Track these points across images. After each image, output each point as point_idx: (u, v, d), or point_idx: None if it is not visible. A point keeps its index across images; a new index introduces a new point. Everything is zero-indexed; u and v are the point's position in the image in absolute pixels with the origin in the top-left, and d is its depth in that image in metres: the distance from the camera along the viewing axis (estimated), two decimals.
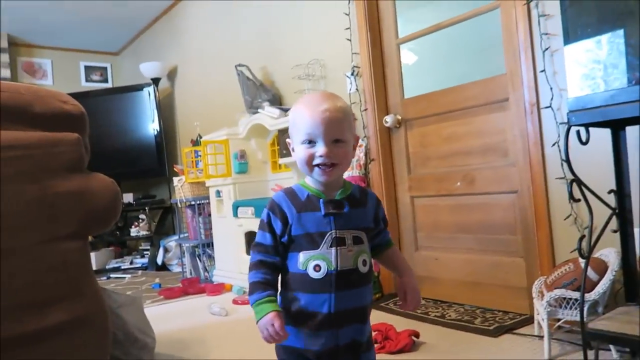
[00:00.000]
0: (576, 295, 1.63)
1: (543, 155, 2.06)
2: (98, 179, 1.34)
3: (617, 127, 1.54)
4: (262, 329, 0.97)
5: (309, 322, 1.00)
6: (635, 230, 1.55)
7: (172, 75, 5.16)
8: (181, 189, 3.99)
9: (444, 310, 2.39)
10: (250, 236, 3.23)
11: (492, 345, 1.90)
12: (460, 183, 2.48)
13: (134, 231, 5.01)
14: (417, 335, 1.98)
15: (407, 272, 1.13)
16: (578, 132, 1.45)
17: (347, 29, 2.88)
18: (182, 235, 4.23)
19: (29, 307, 1.16)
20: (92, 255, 4.25)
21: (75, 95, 1.45)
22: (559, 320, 1.77)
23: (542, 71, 2.02)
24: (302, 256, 1.01)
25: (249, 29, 3.85)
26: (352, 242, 1.02)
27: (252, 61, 3.60)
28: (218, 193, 3.58)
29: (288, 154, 1.11)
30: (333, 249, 1.00)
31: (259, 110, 3.29)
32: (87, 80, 6.14)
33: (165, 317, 2.74)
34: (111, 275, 4.51)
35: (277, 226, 1.02)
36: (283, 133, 3.08)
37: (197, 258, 3.95)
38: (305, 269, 1.00)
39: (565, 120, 1.77)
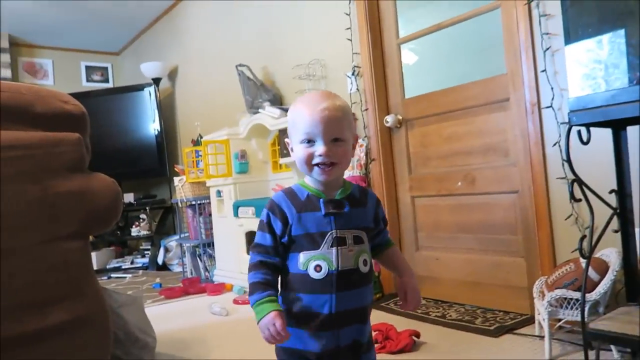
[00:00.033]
0: (577, 295, 1.63)
1: (544, 155, 2.05)
2: (99, 179, 1.34)
3: (618, 127, 1.54)
4: (263, 329, 0.96)
5: (310, 323, 1.00)
6: (636, 230, 1.55)
7: (172, 75, 5.17)
8: (182, 188, 3.99)
9: (445, 310, 2.39)
10: (251, 236, 3.23)
11: (492, 345, 1.90)
12: (461, 183, 2.48)
13: (134, 231, 5.01)
14: (417, 335, 1.98)
15: (407, 272, 1.13)
16: (579, 132, 1.45)
17: (347, 29, 2.88)
18: (182, 235, 4.23)
19: (29, 306, 1.16)
20: (93, 255, 4.25)
21: (76, 95, 1.46)
22: (559, 320, 1.77)
23: (543, 71, 2.02)
24: (302, 256, 1.00)
25: (249, 29, 3.85)
26: (352, 241, 1.02)
27: (253, 61, 3.61)
28: (219, 193, 3.58)
29: (288, 154, 1.10)
30: (334, 249, 0.99)
31: (259, 110, 3.29)
32: (88, 80, 6.15)
33: (165, 317, 2.75)
34: (112, 275, 4.51)
35: (277, 226, 1.01)
36: (284, 133, 3.08)
37: (197, 258, 3.95)
38: (306, 270, 0.99)
39: (566, 120, 1.77)
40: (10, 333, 1.11)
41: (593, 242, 1.45)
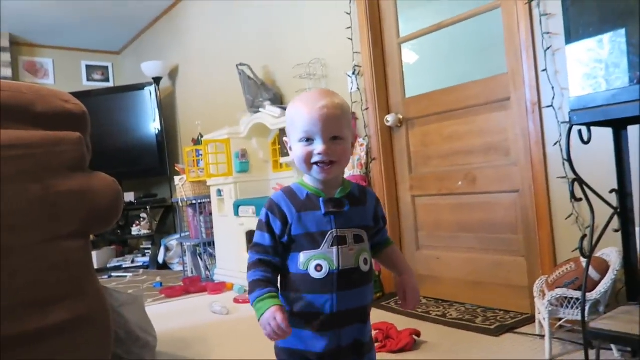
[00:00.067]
0: (577, 294, 1.63)
1: (544, 154, 2.05)
2: (100, 178, 1.34)
3: (619, 126, 1.54)
4: (265, 325, 0.94)
5: (311, 323, 0.99)
6: (637, 229, 1.55)
7: (173, 74, 5.17)
8: (182, 188, 3.99)
9: (445, 310, 2.39)
10: (251, 235, 3.21)
11: (493, 344, 1.90)
12: (461, 182, 2.48)
13: (135, 230, 5.02)
14: (418, 334, 1.98)
15: (406, 271, 1.12)
16: (580, 132, 1.45)
17: (348, 28, 2.88)
18: (183, 234, 4.23)
19: (30, 306, 1.16)
20: (94, 254, 4.26)
21: (76, 95, 1.45)
22: (560, 319, 1.77)
23: (543, 70, 2.02)
24: (302, 256, 0.99)
25: (250, 28, 3.85)
26: (353, 240, 1.01)
27: (254, 60, 3.61)
28: (219, 192, 3.59)
29: (289, 153, 1.09)
30: (334, 248, 0.99)
31: (260, 109, 3.29)
32: (88, 80, 6.15)
33: (166, 316, 2.75)
34: (113, 274, 4.51)
35: (277, 226, 1.00)
36: (284, 132, 3.06)
37: (198, 257, 3.96)
38: (307, 269, 0.98)
39: (567, 120, 1.77)
40: (11, 332, 1.12)
41: (594, 242, 1.45)
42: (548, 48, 2.00)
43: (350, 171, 2.84)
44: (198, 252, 3.94)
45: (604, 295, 1.63)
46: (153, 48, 5.51)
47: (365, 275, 1.03)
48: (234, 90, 3.72)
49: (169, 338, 2.26)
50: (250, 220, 3.20)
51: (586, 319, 1.44)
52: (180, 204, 4.12)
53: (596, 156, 1.75)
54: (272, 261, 1.01)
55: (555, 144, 2.00)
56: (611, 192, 1.54)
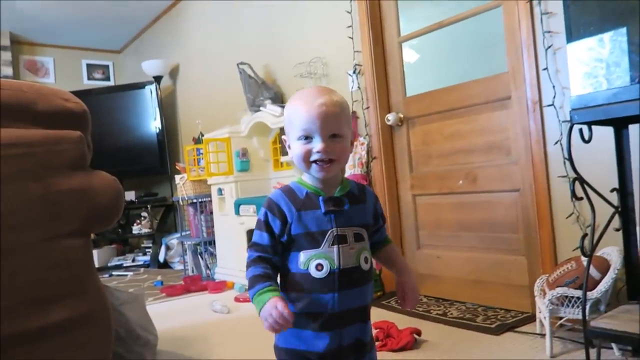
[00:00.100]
0: (578, 293, 1.63)
1: (545, 153, 2.05)
2: (100, 177, 1.34)
3: (620, 125, 1.54)
4: (266, 316, 0.92)
5: (312, 323, 0.98)
6: (638, 228, 1.55)
7: (174, 73, 5.16)
8: (183, 186, 4.00)
9: (446, 308, 2.39)
10: (252, 234, 3.22)
11: (493, 343, 1.90)
12: (462, 181, 2.48)
13: (136, 229, 5.02)
14: (418, 333, 1.99)
15: (405, 269, 1.11)
16: (581, 131, 1.45)
17: (349, 27, 2.88)
18: (184, 233, 4.23)
19: (31, 304, 1.16)
20: (95, 252, 4.27)
21: (77, 93, 1.46)
22: (561, 318, 1.77)
23: (544, 69, 2.02)
24: (303, 256, 0.98)
25: (250, 27, 3.85)
26: (353, 239, 1.00)
27: (254, 59, 3.60)
28: (220, 191, 3.59)
29: None
30: (335, 247, 0.98)
31: (260, 108, 3.29)
32: (89, 78, 6.15)
33: (167, 315, 2.75)
34: (113, 273, 4.52)
35: (276, 225, 0.99)
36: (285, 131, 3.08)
37: (199, 256, 3.96)
38: (307, 269, 0.98)
39: (568, 119, 1.76)
40: (12, 331, 1.12)
41: (594, 241, 1.45)
42: (549, 47, 1.99)
43: (351, 170, 2.84)
44: (199, 250, 3.95)
45: (605, 294, 1.63)
46: (153, 47, 5.50)
47: (365, 274, 1.02)
48: (235, 89, 3.72)
49: (170, 337, 2.26)
50: (251, 219, 3.20)
51: (587, 317, 1.44)
52: (181, 203, 4.12)
53: (597, 155, 1.75)
54: (271, 259, 1.00)
55: (556, 142, 2.00)
56: (612, 191, 1.54)
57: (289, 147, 1.04)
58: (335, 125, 0.98)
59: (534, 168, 2.10)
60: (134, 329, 1.79)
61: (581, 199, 1.47)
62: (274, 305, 0.91)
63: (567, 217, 1.97)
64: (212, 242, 3.82)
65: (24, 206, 1.17)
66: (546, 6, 2.00)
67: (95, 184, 1.31)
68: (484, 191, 2.39)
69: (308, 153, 0.99)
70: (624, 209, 1.53)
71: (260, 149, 3.54)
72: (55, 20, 5.19)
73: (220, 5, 4.22)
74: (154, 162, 5.06)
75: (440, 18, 2.56)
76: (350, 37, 2.87)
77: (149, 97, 5.06)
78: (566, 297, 1.68)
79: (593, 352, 1.49)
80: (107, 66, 6.30)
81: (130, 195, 5.08)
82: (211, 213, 3.78)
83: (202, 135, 3.89)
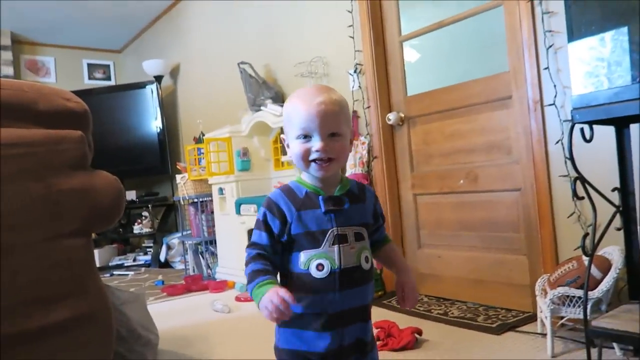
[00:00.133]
0: (579, 293, 1.63)
1: (546, 152, 2.05)
2: (101, 177, 1.34)
3: (621, 124, 1.53)
4: (266, 304, 0.89)
5: (313, 323, 0.98)
6: (639, 228, 1.55)
7: (174, 72, 5.17)
8: (184, 186, 4.00)
9: (447, 308, 2.39)
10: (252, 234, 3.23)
11: (494, 342, 1.90)
12: (463, 181, 2.48)
13: (137, 228, 5.02)
14: (419, 332, 1.98)
15: (404, 269, 1.11)
16: (582, 130, 1.45)
17: (349, 26, 2.88)
18: (184, 233, 4.23)
19: (33, 304, 1.16)
20: (96, 252, 4.27)
21: (78, 93, 1.46)
22: (562, 318, 1.77)
23: (545, 69, 2.01)
24: (303, 256, 0.98)
25: (251, 26, 3.85)
26: (354, 238, 1.00)
27: (255, 59, 3.60)
28: (221, 190, 3.59)
29: None
30: (335, 247, 0.98)
31: (261, 107, 3.29)
32: (90, 78, 6.15)
33: (168, 314, 2.75)
34: (114, 272, 4.52)
35: (275, 225, 0.99)
36: None
37: (199, 255, 3.96)
38: (308, 269, 0.97)
39: (569, 118, 1.76)
40: (13, 330, 1.12)
41: (596, 240, 1.45)
42: (550, 46, 1.99)
43: (352, 169, 2.84)
44: (200, 250, 3.95)
45: (606, 294, 1.62)
46: (154, 47, 5.51)
47: (366, 273, 1.02)
48: (236, 88, 3.72)
49: (171, 336, 2.27)
50: (251, 218, 3.20)
51: (588, 317, 1.44)
52: (182, 203, 4.13)
53: (598, 154, 1.75)
54: (270, 257, 0.99)
55: (557, 142, 2.00)
56: (613, 190, 1.54)
57: (288, 146, 1.04)
58: (334, 124, 0.98)
59: (535, 167, 2.10)
60: (135, 329, 1.79)
61: (582, 198, 1.47)
62: (275, 292, 0.90)
63: (568, 217, 1.97)
64: (213, 242, 3.82)
65: (25, 206, 1.17)
66: (547, 5, 1.99)
67: (96, 183, 1.31)
68: (485, 190, 2.39)
69: (307, 152, 0.98)
70: (625, 208, 1.53)
71: (261, 149, 3.54)
72: (56, 20, 5.20)
73: (221, 5, 4.22)
74: (155, 161, 5.06)
75: (441, 17, 2.55)
76: (351, 37, 2.87)
77: (150, 97, 5.06)
78: (567, 296, 1.68)
79: (594, 352, 1.49)
80: (108, 66, 6.31)
81: (131, 195, 5.09)
82: (212, 212, 3.78)
83: (203, 135, 3.89)
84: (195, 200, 3.89)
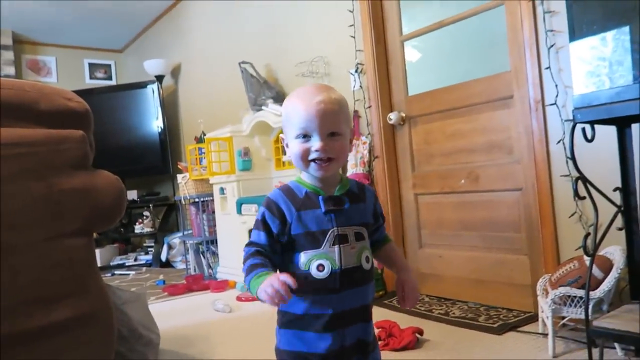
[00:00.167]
0: (581, 293, 1.63)
1: (548, 152, 2.05)
2: (103, 176, 1.34)
3: (623, 124, 1.53)
4: (266, 287, 0.89)
5: (314, 325, 0.97)
6: None
7: (175, 72, 5.17)
8: (185, 186, 4.00)
9: (448, 308, 2.39)
10: None
11: (496, 342, 1.90)
12: (464, 180, 2.48)
13: (138, 228, 5.03)
14: (420, 332, 1.98)
15: (404, 268, 1.10)
16: (583, 130, 1.45)
17: (350, 26, 2.87)
18: (186, 232, 4.24)
19: (34, 303, 1.16)
20: (97, 252, 4.26)
21: (79, 93, 1.46)
22: (563, 318, 1.77)
23: (547, 68, 2.01)
24: (303, 256, 0.97)
25: (252, 26, 3.85)
26: (354, 238, 0.99)
27: (256, 58, 3.60)
28: (222, 190, 3.59)
29: None
30: (336, 247, 0.97)
31: (262, 107, 3.29)
32: (91, 78, 6.15)
33: (169, 314, 2.75)
34: (115, 272, 4.53)
35: (275, 225, 0.98)
36: None
37: (201, 255, 3.96)
38: (308, 270, 0.96)
39: (571, 118, 1.76)
40: (14, 330, 1.12)
41: (597, 240, 1.45)
42: (552, 46, 1.99)
43: (353, 169, 2.84)
44: (201, 250, 3.95)
45: (608, 294, 1.62)
46: (155, 46, 5.51)
47: (367, 273, 1.01)
48: (237, 88, 3.72)
49: (172, 336, 2.27)
50: (252, 218, 3.20)
51: (589, 317, 1.44)
52: (183, 202, 4.13)
53: (600, 154, 1.75)
54: (269, 255, 0.99)
55: (559, 142, 2.00)
56: (615, 190, 1.54)
57: (287, 145, 1.03)
58: (333, 124, 0.97)
59: (537, 167, 2.09)
60: (136, 328, 1.79)
61: (584, 198, 1.47)
62: (276, 277, 0.89)
63: (569, 217, 1.97)
64: (214, 241, 3.82)
65: (27, 205, 1.17)
66: (549, 5, 1.99)
67: (97, 183, 1.31)
68: (486, 190, 2.38)
69: (306, 152, 0.97)
70: (627, 208, 1.53)
71: (262, 148, 3.54)
72: (57, 20, 5.20)
73: (222, 5, 4.22)
74: (156, 161, 5.06)
75: (443, 17, 2.55)
76: (352, 36, 2.87)
77: (151, 97, 5.07)
78: (569, 296, 1.68)
79: (596, 352, 1.49)
80: (109, 65, 6.31)
81: (132, 195, 5.10)
82: (213, 212, 3.78)
83: (204, 135, 3.90)
84: (197, 199, 3.89)
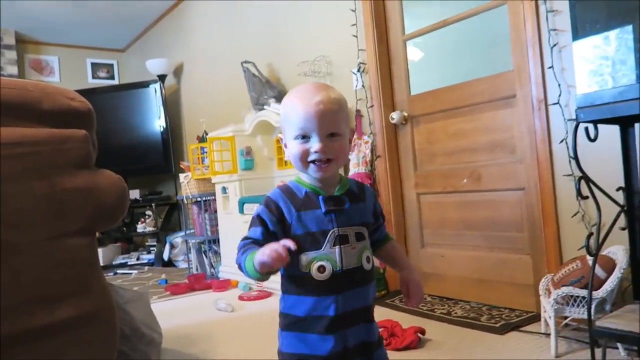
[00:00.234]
0: (583, 293, 1.63)
1: (550, 152, 2.04)
2: (105, 176, 1.34)
3: (626, 123, 1.53)
4: (264, 250, 0.89)
5: (315, 327, 0.96)
6: None
7: (178, 72, 5.17)
8: (187, 185, 4.00)
9: (450, 308, 2.39)
10: None
11: (498, 342, 1.90)
12: (466, 180, 2.47)
13: (140, 227, 5.03)
14: (423, 332, 1.98)
15: (407, 267, 1.09)
16: (586, 129, 1.45)
17: (353, 25, 2.87)
18: (188, 232, 4.24)
19: (36, 302, 1.16)
20: (100, 251, 4.26)
21: (82, 92, 1.46)
22: (566, 318, 1.77)
23: (550, 67, 2.01)
24: (304, 258, 0.96)
25: (255, 25, 3.85)
26: (355, 239, 0.98)
27: (258, 58, 3.60)
28: (224, 189, 3.59)
29: None
30: (337, 248, 0.96)
31: (264, 106, 3.29)
32: (93, 77, 6.17)
33: (171, 313, 2.76)
34: (118, 271, 4.53)
35: (272, 223, 0.96)
36: None
37: (203, 254, 3.97)
38: (309, 271, 0.95)
39: (574, 117, 1.76)
40: (17, 329, 1.12)
41: (600, 240, 1.44)
42: (554, 45, 1.99)
43: (355, 169, 2.84)
44: (203, 249, 3.95)
45: (610, 294, 1.62)
46: (157, 46, 5.52)
47: (368, 273, 1.00)
48: (239, 87, 3.72)
49: (174, 335, 2.27)
50: None
51: (592, 317, 1.44)
52: (185, 202, 4.13)
53: (603, 154, 1.75)
54: None
55: (562, 141, 1.99)
56: (618, 189, 1.54)
57: (285, 145, 1.01)
58: (333, 124, 0.95)
59: (539, 167, 2.09)
60: (139, 327, 1.79)
61: (586, 197, 1.47)
62: (273, 244, 0.89)
63: (572, 216, 1.97)
64: (216, 241, 3.82)
65: (30, 205, 1.17)
66: (552, 4, 1.99)
67: (100, 182, 1.31)
68: (488, 190, 2.38)
69: (305, 153, 0.96)
70: (630, 208, 1.53)
71: (264, 148, 3.54)
72: (60, 20, 5.21)
73: (224, 5, 4.23)
74: (158, 160, 5.07)
75: (445, 16, 2.55)
76: (354, 36, 2.87)
77: (154, 96, 5.07)
78: (571, 296, 1.68)
79: (598, 352, 1.49)
80: (112, 65, 6.32)
81: (134, 194, 5.10)
82: (215, 211, 3.79)
83: (206, 134, 3.90)
84: (199, 199, 3.90)
